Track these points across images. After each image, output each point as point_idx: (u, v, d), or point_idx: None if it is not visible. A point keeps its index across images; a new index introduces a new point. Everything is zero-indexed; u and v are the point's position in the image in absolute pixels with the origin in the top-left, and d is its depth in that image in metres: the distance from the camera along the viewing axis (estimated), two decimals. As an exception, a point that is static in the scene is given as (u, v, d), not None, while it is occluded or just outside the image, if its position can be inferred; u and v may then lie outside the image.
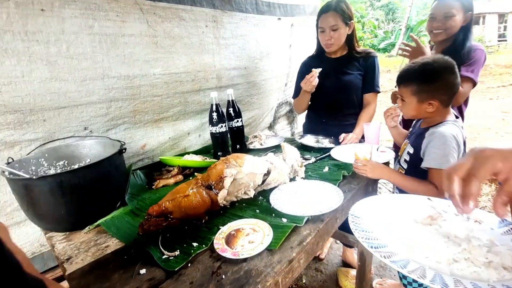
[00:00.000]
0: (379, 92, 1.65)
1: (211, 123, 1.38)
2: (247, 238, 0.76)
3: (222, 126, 1.39)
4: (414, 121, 1.32)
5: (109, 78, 1.11)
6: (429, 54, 1.51)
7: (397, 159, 1.24)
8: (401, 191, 1.14)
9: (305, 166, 1.23)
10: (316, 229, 0.78)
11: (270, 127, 2.30)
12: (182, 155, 1.42)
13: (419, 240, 0.63)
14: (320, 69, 1.50)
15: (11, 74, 0.89)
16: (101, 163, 0.87)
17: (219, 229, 0.82)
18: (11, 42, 0.87)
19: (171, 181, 1.17)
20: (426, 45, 1.64)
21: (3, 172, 0.82)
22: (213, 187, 0.85)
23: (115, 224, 0.89)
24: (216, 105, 1.37)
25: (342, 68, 1.61)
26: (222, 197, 0.86)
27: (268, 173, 1.00)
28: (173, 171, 1.21)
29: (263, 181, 1.01)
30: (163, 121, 1.40)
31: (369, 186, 1.14)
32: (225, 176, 0.87)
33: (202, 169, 1.32)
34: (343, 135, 1.53)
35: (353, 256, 1.87)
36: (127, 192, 1.05)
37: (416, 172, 1.08)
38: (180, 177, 1.20)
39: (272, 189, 1.01)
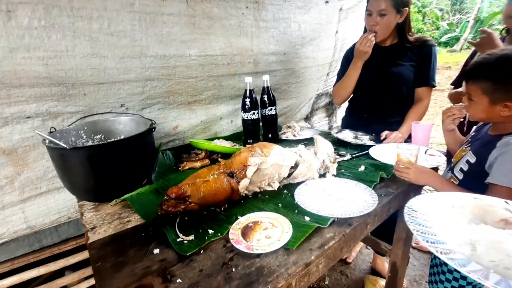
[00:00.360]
0: (434, 86, 1.44)
1: (244, 109, 1.34)
2: (264, 232, 0.72)
3: (254, 113, 1.34)
4: (477, 125, 1.13)
5: (146, 57, 1.12)
6: (502, 46, 1.27)
7: (449, 166, 1.08)
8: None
9: (338, 162, 1.14)
10: (342, 233, 0.71)
11: (307, 118, 2.19)
12: (212, 139, 1.41)
13: (486, 242, 0.56)
14: (374, 34, 1.34)
15: (57, 48, 0.94)
16: (129, 140, 0.89)
17: (237, 219, 0.79)
18: (57, 17, 0.91)
19: (198, 164, 1.16)
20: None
21: (44, 140, 0.88)
22: (235, 175, 0.82)
23: (139, 201, 0.91)
24: (250, 90, 1.33)
25: (392, 58, 1.43)
26: (243, 186, 0.82)
27: (295, 166, 0.94)
28: (201, 155, 1.21)
29: (290, 174, 0.94)
30: (196, 103, 1.40)
31: (411, 193, 1.01)
32: (249, 165, 0.82)
33: (229, 156, 1.30)
34: (386, 132, 1.38)
35: (384, 265, 1.73)
36: (154, 171, 1.07)
37: (474, 185, 0.91)
38: (207, 161, 1.19)
39: (298, 184, 0.95)
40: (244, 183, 0.81)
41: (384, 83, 1.46)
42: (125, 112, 1.18)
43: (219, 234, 0.73)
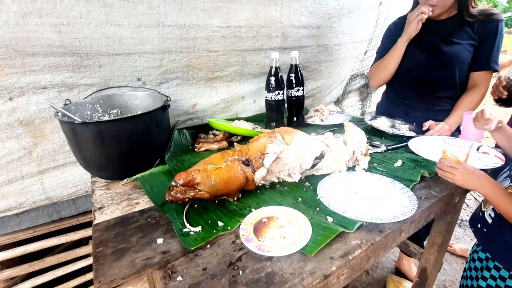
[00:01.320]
0: (496, 71, 1.22)
1: (268, 88, 1.23)
2: (279, 231, 0.64)
3: (279, 94, 1.23)
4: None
5: (164, 26, 1.03)
6: None
7: (508, 171, 0.90)
8: (498, 216, 0.83)
9: (370, 154, 1.01)
10: (370, 242, 0.61)
11: (337, 102, 2.02)
12: (233, 120, 1.33)
13: None
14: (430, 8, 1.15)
15: (70, 15, 0.88)
16: (141, 117, 0.83)
17: (251, 211, 0.72)
18: (70, -22, 0.85)
19: (215, 146, 1.09)
20: None
21: (57, 113, 0.85)
22: (251, 163, 0.73)
23: (150, 182, 0.87)
24: (276, 68, 1.21)
25: (447, 35, 1.22)
26: (259, 177, 0.74)
27: (321, 157, 0.83)
28: (218, 137, 1.13)
29: (313, 165, 0.84)
30: (217, 80, 1.31)
31: (456, 197, 0.87)
32: (267, 153, 0.73)
33: (249, 139, 1.21)
34: (429, 122, 1.21)
35: (410, 266, 1.60)
36: (168, 151, 1.02)
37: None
38: (224, 143, 1.12)
39: (322, 176, 0.85)
40: (260, 174, 0.73)
41: (434, 65, 1.26)
42: (141, 87, 1.13)
43: (229, 227, 0.66)
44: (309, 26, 1.41)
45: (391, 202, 0.73)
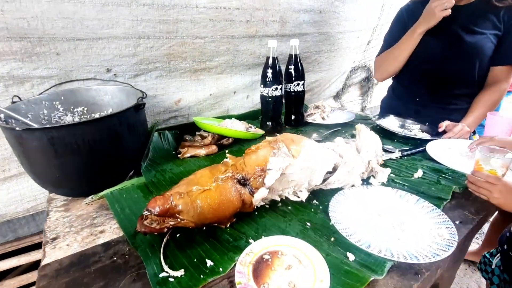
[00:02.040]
0: (523, 65, 1.09)
1: (264, 82, 1.07)
2: (287, 274, 0.49)
3: (277, 89, 1.07)
4: None
5: (138, 5, 0.85)
6: None
7: None
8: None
9: (384, 162, 0.87)
10: (407, 292, 0.47)
11: (337, 96, 1.88)
12: (223, 118, 1.16)
13: None
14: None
15: (12, -15, 0.69)
16: (106, 120, 0.66)
17: (248, 243, 0.56)
18: None
19: (202, 152, 0.93)
20: None
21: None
22: (248, 182, 0.58)
23: (121, 200, 0.71)
24: (274, 59, 1.04)
25: (467, 23, 1.08)
26: (259, 199, 0.58)
27: (333, 170, 0.68)
28: (206, 140, 0.97)
29: (323, 180, 0.69)
30: (204, 72, 1.13)
31: (489, 216, 0.74)
32: (269, 169, 0.58)
33: (243, 142, 1.05)
34: (446, 123, 1.08)
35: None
36: (145, 159, 0.85)
37: None
38: (214, 148, 0.95)
39: (332, 191, 0.70)
40: (260, 195, 0.58)
41: (451, 57, 1.12)
42: (112, 80, 0.94)
43: (220, 269, 0.51)
44: (310, 10, 1.24)
45: (423, 230, 0.59)
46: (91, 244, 0.58)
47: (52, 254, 0.56)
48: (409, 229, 0.60)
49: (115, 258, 0.54)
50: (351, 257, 0.53)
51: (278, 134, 0.71)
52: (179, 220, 0.54)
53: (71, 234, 0.61)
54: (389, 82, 1.45)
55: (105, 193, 0.72)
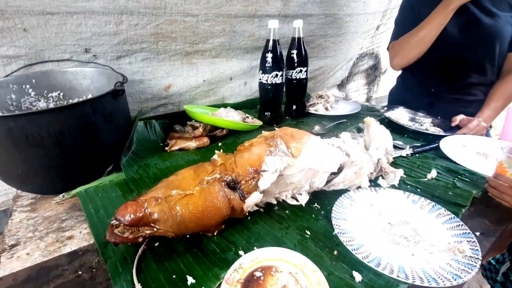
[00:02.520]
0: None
1: (263, 68, 0.97)
2: (281, 296, 0.42)
3: (277, 76, 0.97)
4: None
5: (119, -26, 0.74)
6: None
7: None
8: None
9: (394, 160, 0.79)
10: (425, 324, 0.39)
11: (341, 85, 1.77)
12: (218, 106, 1.07)
13: None
14: None
15: None
16: (76, 109, 0.57)
17: (237, 255, 0.49)
18: None
19: (192, 144, 0.84)
20: None
21: None
22: (239, 186, 0.49)
23: (95, 200, 0.63)
24: (275, 42, 0.94)
25: (485, 4, 0.97)
26: (251, 205, 0.50)
27: (338, 171, 0.60)
28: (197, 131, 0.88)
29: (327, 181, 0.61)
30: (197, 55, 1.02)
31: None
32: (264, 170, 0.49)
33: (239, 134, 0.96)
34: (460, 117, 0.99)
35: None
36: (127, 151, 0.76)
37: None
38: (205, 140, 0.87)
39: (336, 193, 0.62)
40: (253, 201, 0.49)
41: (469, 42, 1.01)
42: (91, 62, 0.84)
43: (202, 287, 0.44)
44: (316, -12, 1.12)
45: (440, 244, 0.51)
46: (55, 253, 0.51)
47: (7, 265, 0.48)
48: (424, 241, 0.52)
49: (80, 272, 0.47)
50: (357, 277, 0.45)
51: (276, 128, 0.62)
52: (155, 229, 0.46)
53: (33, 240, 0.53)
54: (397, 71, 1.34)
55: (78, 191, 0.64)
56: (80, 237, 0.54)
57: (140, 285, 0.44)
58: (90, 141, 0.62)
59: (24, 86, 0.76)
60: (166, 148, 0.84)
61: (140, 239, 0.47)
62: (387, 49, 1.20)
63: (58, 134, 0.56)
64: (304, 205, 0.60)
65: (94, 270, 0.47)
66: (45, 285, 0.44)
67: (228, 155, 0.54)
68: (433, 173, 0.73)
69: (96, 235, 0.53)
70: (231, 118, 0.96)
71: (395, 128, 1.01)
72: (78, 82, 0.83)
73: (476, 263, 0.47)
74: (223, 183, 0.48)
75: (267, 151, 0.50)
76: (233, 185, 0.49)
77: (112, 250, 0.50)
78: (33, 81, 0.77)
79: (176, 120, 1.00)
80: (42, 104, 0.80)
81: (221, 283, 0.44)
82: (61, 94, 0.82)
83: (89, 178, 0.67)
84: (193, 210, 0.45)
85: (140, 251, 0.49)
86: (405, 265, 0.47)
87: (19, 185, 0.62)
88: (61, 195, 0.64)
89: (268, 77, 0.97)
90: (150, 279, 0.45)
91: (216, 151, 0.56)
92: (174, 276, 0.46)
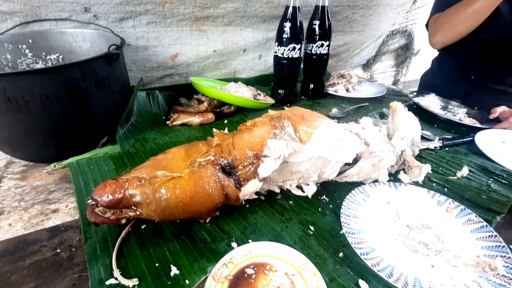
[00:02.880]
0: None
1: (279, 39, 0.87)
2: (273, 300, 0.37)
3: (294, 49, 0.87)
4: None
5: None
6: None
7: None
8: None
9: (420, 152, 0.70)
10: None
11: (367, 65, 1.63)
12: (228, 80, 0.99)
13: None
14: None
15: None
16: (62, 72, 0.51)
17: (230, 247, 0.44)
18: None
19: (196, 120, 0.79)
20: None
21: None
22: (235, 171, 0.43)
23: (86, 172, 0.59)
24: (295, 9, 0.83)
25: None
26: (248, 193, 0.44)
27: (354, 161, 0.52)
28: (202, 106, 0.81)
29: (340, 172, 0.54)
30: (208, 22, 0.94)
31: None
32: (265, 156, 0.43)
33: (248, 111, 0.89)
34: (501, 108, 0.86)
35: None
36: (124, 123, 0.71)
37: None
38: (210, 116, 0.80)
39: (349, 185, 0.55)
40: (250, 189, 0.43)
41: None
42: (91, 23, 0.78)
43: (187, 282, 0.39)
44: None
45: (467, 256, 0.44)
46: (37, 226, 0.48)
47: (-13, 236, 0.46)
48: (447, 251, 0.45)
49: (58, 250, 0.43)
50: (363, 286, 0.39)
51: (286, 108, 0.54)
52: (138, 213, 0.41)
53: (18, 211, 0.51)
54: (432, 53, 1.20)
55: (69, 162, 0.61)
56: (65, 211, 0.51)
57: (119, 271, 0.40)
58: (81, 109, 0.57)
59: (20, 46, 0.72)
60: (167, 122, 0.79)
61: (123, 221, 0.43)
62: (426, 24, 1.05)
63: (44, 99, 0.51)
64: (310, 197, 0.53)
65: (73, 249, 0.44)
66: (20, 260, 0.42)
67: (227, 134, 0.47)
68: (465, 171, 0.64)
69: (82, 211, 0.50)
70: (241, 94, 0.88)
71: (424, 117, 0.90)
72: (78, 45, 0.78)
73: (511, 284, 0.39)
74: (218, 167, 0.42)
75: (271, 133, 0.43)
76: (228, 170, 0.43)
77: (95, 229, 0.46)
78: (30, 41, 0.72)
79: (182, 93, 0.94)
80: (39, 67, 0.75)
81: (207, 277, 0.39)
82: (60, 57, 0.77)
83: (81, 148, 0.63)
84: (180, 195, 0.39)
85: (123, 233, 0.45)
86: (422, 278, 0.40)
87: (9, 151, 0.59)
88: (52, 165, 0.61)
89: (284, 50, 0.87)
90: (131, 265, 0.41)
91: (214, 129, 0.49)
92: (157, 265, 0.41)
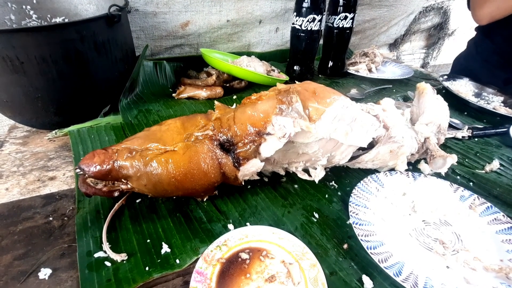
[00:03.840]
0: None
1: (298, 9, 0.80)
2: (268, 287, 0.34)
3: (314, 20, 0.80)
4: None
5: None
6: None
7: None
8: None
9: (446, 141, 0.64)
10: None
11: (394, 45, 1.51)
12: (241, 54, 0.94)
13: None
14: None
15: None
16: (57, 31, 0.48)
17: (226, 228, 0.42)
18: None
19: (203, 94, 0.75)
20: None
21: None
22: (234, 148, 0.39)
23: (86, 141, 0.58)
24: (317, -25, 0.75)
25: None
26: (248, 174, 0.41)
27: (369, 146, 0.47)
28: (210, 79, 0.77)
29: (352, 157, 0.49)
30: (222, -12, 0.87)
31: None
32: (269, 134, 0.39)
33: (259, 88, 0.85)
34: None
35: None
36: (128, 93, 0.69)
37: None
38: (218, 90, 0.76)
39: (360, 173, 0.50)
40: (249, 169, 0.40)
41: None
42: (97, -17, 0.73)
43: (177, 261, 0.37)
44: None
45: (488, 259, 0.40)
46: (33, 192, 0.47)
47: (-17, 199, 0.45)
48: (466, 252, 0.40)
49: (51, 219, 0.42)
50: (367, 283, 0.35)
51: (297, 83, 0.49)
52: (129, 186, 0.39)
53: (16, 176, 0.50)
54: (469, 35, 1.08)
55: (70, 130, 0.59)
56: (62, 179, 0.50)
57: (109, 245, 0.38)
58: (79, 74, 0.54)
59: (24, 7, 0.69)
60: (173, 95, 0.75)
61: (116, 194, 0.41)
62: None
63: (41, 61, 0.49)
64: (317, 182, 0.49)
65: (66, 218, 0.43)
66: (12, 226, 0.41)
67: (229, 108, 0.43)
68: (495, 165, 0.58)
69: (77, 179, 0.48)
70: (253, 68, 0.83)
71: (453, 103, 0.82)
72: (84, 8, 0.74)
73: (538, 296, 0.35)
74: (215, 143, 0.39)
75: (277, 109, 0.39)
76: (227, 147, 0.39)
77: (89, 200, 0.45)
78: (34, 1, 0.70)
79: (192, 65, 0.90)
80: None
81: (198, 258, 0.37)
82: (66, 20, 0.74)
83: (83, 117, 0.61)
84: (172, 171, 0.37)
85: (116, 206, 0.43)
86: (435, 280, 0.36)
87: (9, 115, 0.58)
88: (53, 132, 0.60)
89: (303, 21, 0.80)
90: (122, 239, 0.40)
91: (216, 102, 0.46)
92: (148, 241, 0.40)
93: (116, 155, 0.36)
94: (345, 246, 0.41)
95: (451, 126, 0.71)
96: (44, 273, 0.35)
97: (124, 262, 0.37)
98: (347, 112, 0.42)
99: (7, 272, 0.35)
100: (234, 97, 0.79)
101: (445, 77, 0.93)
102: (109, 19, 0.54)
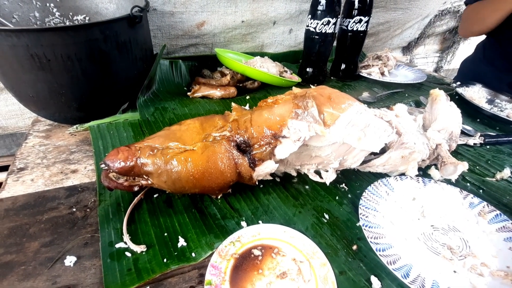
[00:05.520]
0: None
1: (313, 12, 0.81)
2: (277, 284, 0.36)
3: (329, 23, 0.81)
4: None
5: None
6: None
7: None
8: None
9: (457, 148, 0.64)
10: None
11: (407, 48, 1.50)
12: (255, 54, 0.95)
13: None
14: None
15: None
16: (82, 31, 0.51)
17: (239, 226, 0.44)
18: None
19: (217, 93, 0.77)
20: None
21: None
22: (250, 149, 0.41)
23: (106, 136, 0.60)
24: (333, -22, 0.76)
25: None
26: (263, 174, 0.42)
27: (381, 152, 0.49)
28: (225, 78, 0.79)
29: (364, 162, 0.51)
30: (238, -11, 0.89)
31: None
32: (284, 137, 0.40)
33: (272, 89, 0.86)
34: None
35: None
36: (145, 91, 0.71)
37: None
38: (232, 90, 0.78)
39: (371, 176, 0.52)
40: (264, 170, 0.42)
41: None
42: (118, -17, 0.76)
43: (193, 254, 0.39)
44: None
45: (496, 266, 0.41)
46: (57, 184, 0.50)
47: (11, 188, 0.48)
48: (473, 258, 0.41)
49: (74, 209, 0.45)
50: (375, 284, 0.37)
51: (312, 87, 0.51)
52: (150, 182, 0.41)
53: (40, 168, 0.53)
54: (479, 38, 1.07)
55: (91, 125, 0.62)
56: (84, 172, 0.53)
57: (129, 236, 0.41)
58: (102, 72, 0.57)
59: (48, 4, 0.72)
60: (188, 94, 0.78)
61: (136, 188, 0.43)
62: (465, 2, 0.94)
63: (66, 59, 0.51)
64: (328, 184, 0.51)
65: (88, 210, 0.45)
66: (39, 215, 0.44)
67: (246, 110, 0.45)
68: (506, 173, 0.59)
69: (99, 174, 0.51)
70: (266, 69, 0.85)
71: (466, 109, 0.82)
72: (104, 6, 0.77)
73: (544, 303, 0.36)
74: (232, 144, 0.41)
75: (293, 113, 0.40)
76: (244, 148, 0.41)
77: (109, 193, 0.47)
78: (58, 0, 0.73)
79: (206, 64, 0.92)
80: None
81: (213, 253, 0.39)
82: (87, 18, 0.77)
83: (103, 113, 0.64)
84: (191, 169, 0.39)
85: (135, 200, 0.45)
86: (442, 283, 0.37)
87: (34, 109, 0.61)
88: (75, 126, 0.63)
89: (317, 23, 0.81)
90: (141, 232, 0.42)
91: (233, 103, 0.47)
92: (166, 234, 0.42)
93: (139, 153, 0.38)
94: (355, 247, 0.42)
95: (463, 133, 0.71)
96: (70, 260, 0.38)
97: (143, 253, 0.39)
98: (361, 118, 0.43)
99: (35, 258, 0.38)
100: (247, 97, 0.80)
101: (458, 83, 0.93)
102: (131, 20, 0.56)
